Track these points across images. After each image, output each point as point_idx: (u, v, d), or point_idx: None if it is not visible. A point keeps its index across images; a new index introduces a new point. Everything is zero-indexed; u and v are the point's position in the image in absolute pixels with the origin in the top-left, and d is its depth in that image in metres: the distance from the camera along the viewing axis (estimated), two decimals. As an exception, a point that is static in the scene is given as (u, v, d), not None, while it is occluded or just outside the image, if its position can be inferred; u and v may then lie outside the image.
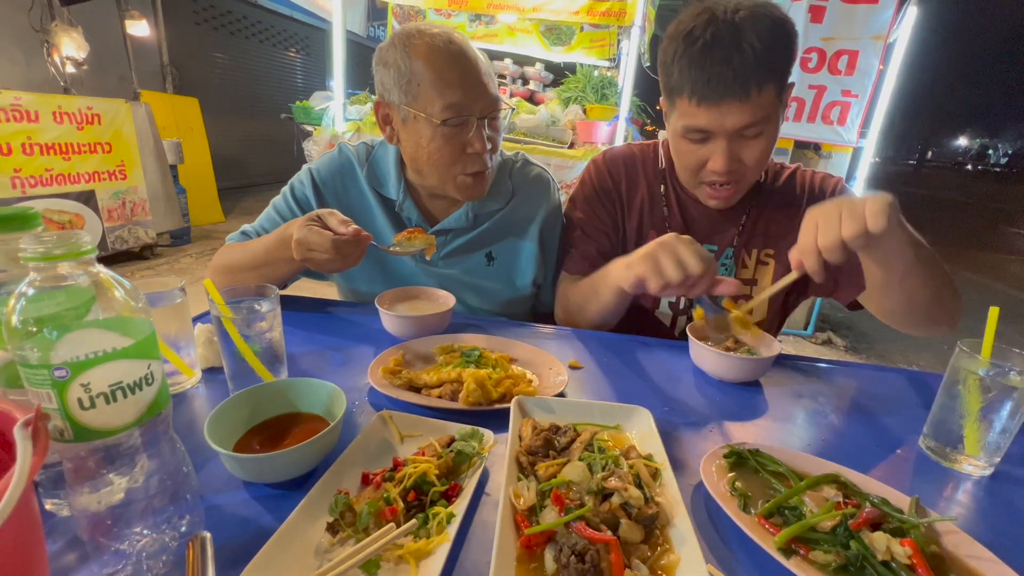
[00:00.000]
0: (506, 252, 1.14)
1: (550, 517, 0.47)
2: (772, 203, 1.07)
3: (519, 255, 1.14)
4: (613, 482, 0.50)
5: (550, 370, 0.80)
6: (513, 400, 0.65)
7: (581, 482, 0.51)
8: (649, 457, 0.58)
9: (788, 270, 1.03)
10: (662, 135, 1.13)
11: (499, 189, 1.14)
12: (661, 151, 1.13)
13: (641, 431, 0.64)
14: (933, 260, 0.84)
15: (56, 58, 4.05)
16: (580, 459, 0.55)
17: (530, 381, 0.74)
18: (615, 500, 0.48)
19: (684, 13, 0.90)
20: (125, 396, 0.39)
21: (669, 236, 0.83)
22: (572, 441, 0.59)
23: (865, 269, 0.88)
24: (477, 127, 0.97)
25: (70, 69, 4.13)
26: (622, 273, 0.89)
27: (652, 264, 0.81)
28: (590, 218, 1.12)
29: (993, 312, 0.62)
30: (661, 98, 1.00)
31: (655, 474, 0.55)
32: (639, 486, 0.51)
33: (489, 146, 0.99)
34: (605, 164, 1.14)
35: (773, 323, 1.12)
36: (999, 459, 0.64)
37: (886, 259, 0.80)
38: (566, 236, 1.17)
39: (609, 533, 0.45)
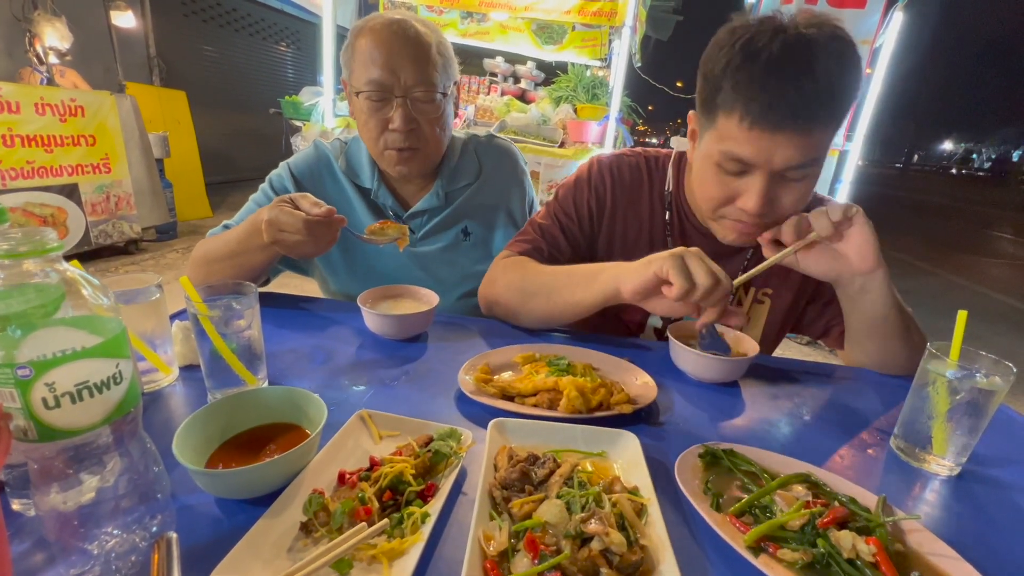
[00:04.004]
0: (481, 225, 1.19)
1: (523, 564, 0.44)
2: None
3: (494, 226, 1.19)
4: (593, 525, 0.45)
5: (636, 380, 0.78)
6: (490, 424, 0.62)
7: (558, 524, 0.47)
8: (635, 491, 0.53)
9: (785, 310, 1.03)
10: (675, 143, 1.06)
11: (466, 166, 1.18)
12: (670, 171, 1.01)
13: (627, 459, 0.60)
14: (907, 316, 0.88)
15: (39, 48, 3.97)
16: (558, 496, 0.50)
17: (622, 389, 0.72)
18: (595, 545, 0.44)
19: (737, 18, 0.77)
20: (92, 395, 0.38)
21: (690, 249, 0.74)
22: (551, 473, 0.55)
23: (847, 314, 0.91)
24: (398, 106, 1.00)
25: (53, 60, 4.04)
26: (628, 274, 0.78)
27: (679, 265, 0.71)
28: (568, 208, 1.03)
29: (961, 316, 0.64)
30: (692, 112, 0.88)
31: (640, 511, 0.51)
32: (622, 527, 0.47)
33: (412, 126, 1.02)
34: (610, 170, 1.03)
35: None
36: (965, 459, 0.66)
37: (871, 301, 0.85)
38: (534, 215, 1.08)
39: None
